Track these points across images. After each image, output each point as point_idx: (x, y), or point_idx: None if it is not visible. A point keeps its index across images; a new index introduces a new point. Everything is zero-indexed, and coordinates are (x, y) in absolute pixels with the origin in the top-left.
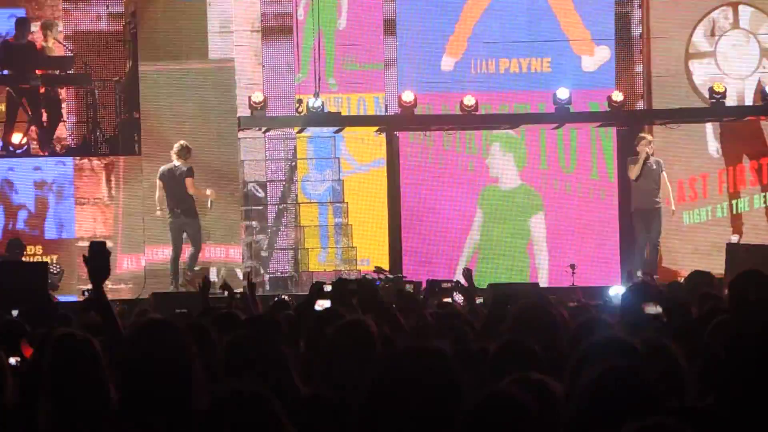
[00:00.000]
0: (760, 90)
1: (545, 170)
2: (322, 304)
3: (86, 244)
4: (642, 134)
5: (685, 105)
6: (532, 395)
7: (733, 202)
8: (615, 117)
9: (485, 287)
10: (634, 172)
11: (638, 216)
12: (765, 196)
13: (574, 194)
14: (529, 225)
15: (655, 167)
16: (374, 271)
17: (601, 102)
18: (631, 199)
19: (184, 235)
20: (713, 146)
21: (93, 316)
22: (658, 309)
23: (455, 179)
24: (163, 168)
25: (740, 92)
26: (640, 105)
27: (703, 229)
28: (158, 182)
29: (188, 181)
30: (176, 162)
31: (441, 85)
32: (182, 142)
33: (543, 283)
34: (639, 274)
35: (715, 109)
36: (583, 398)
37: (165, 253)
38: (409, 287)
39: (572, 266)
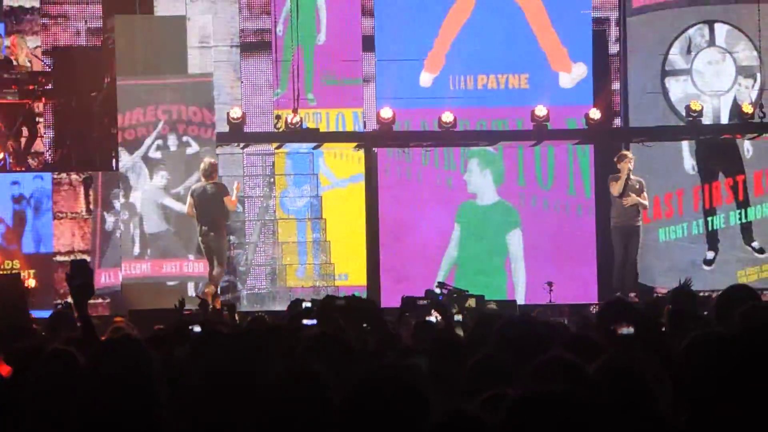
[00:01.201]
0: (736, 108)
1: (523, 187)
2: (305, 323)
3: (65, 258)
4: (624, 152)
5: (661, 123)
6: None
7: (709, 218)
8: (592, 134)
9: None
10: (616, 188)
11: (617, 232)
12: (741, 213)
13: (551, 211)
14: (506, 241)
15: (637, 186)
16: (437, 286)
17: (578, 119)
18: (609, 216)
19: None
20: (689, 163)
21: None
22: (631, 330)
23: (433, 195)
24: (195, 186)
25: (716, 109)
26: (618, 122)
27: (678, 246)
28: (189, 199)
29: (227, 200)
30: (204, 182)
31: (419, 101)
32: (208, 159)
33: (520, 300)
34: (617, 295)
35: (691, 127)
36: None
37: (143, 268)
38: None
39: (549, 284)
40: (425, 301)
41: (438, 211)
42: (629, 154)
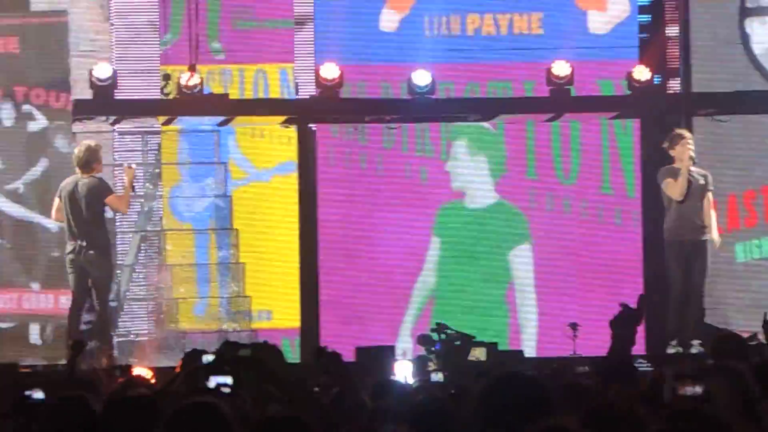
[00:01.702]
0: None
1: (534, 181)
2: (216, 382)
3: None
4: (679, 131)
5: (740, 87)
6: None
7: None
8: (638, 104)
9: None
10: (677, 188)
11: (675, 251)
12: None
13: (576, 217)
14: (508, 262)
15: (702, 181)
16: (434, 330)
17: (616, 81)
18: (664, 226)
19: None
20: None
21: None
22: (697, 390)
23: (400, 194)
24: (66, 182)
25: None
26: (675, 86)
27: (765, 269)
28: (56, 201)
29: (113, 201)
30: (80, 176)
31: (380, 54)
32: (86, 142)
33: (530, 350)
34: (674, 343)
35: None
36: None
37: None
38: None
39: (573, 326)
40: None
41: (406, 216)
42: (687, 134)
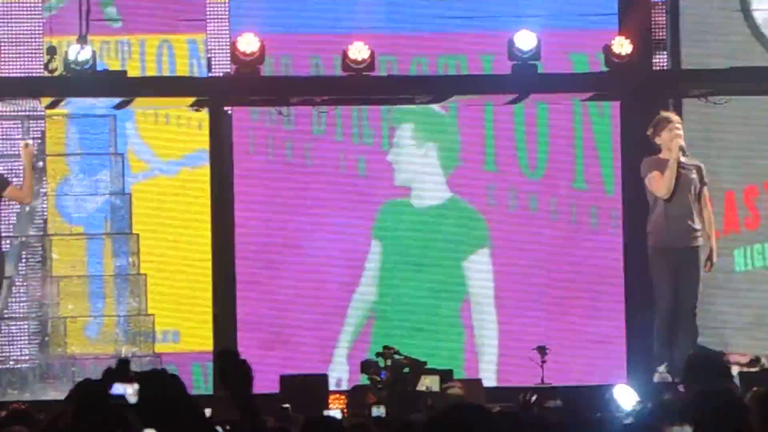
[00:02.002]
0: None
1: (493, 174)
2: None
3: None
4: (665, 114)
5: (739, 62)
6: None
7: None
8: (618, 82)
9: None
10: (663, 184)
11: (662, 259)
12: None
13: (544, 217)
14: (463, 272)
15: (694, 175)
16: (380, 354)
17: (592, 55)
18: (648, 229)
19: None
20: None
21: None
22: (687, 430)
23: (333, 190)
24: None
25: None
26: (662, 61)
27: (766, 280)
28: None
29: (11, 192)
30: None
31: (308, 22)
32: None
33: (490, 379)
34: (662, 369)
35: None
36: None
37: None
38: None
39: (541, 349)
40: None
41: (342, 219)
42: (675, 118)
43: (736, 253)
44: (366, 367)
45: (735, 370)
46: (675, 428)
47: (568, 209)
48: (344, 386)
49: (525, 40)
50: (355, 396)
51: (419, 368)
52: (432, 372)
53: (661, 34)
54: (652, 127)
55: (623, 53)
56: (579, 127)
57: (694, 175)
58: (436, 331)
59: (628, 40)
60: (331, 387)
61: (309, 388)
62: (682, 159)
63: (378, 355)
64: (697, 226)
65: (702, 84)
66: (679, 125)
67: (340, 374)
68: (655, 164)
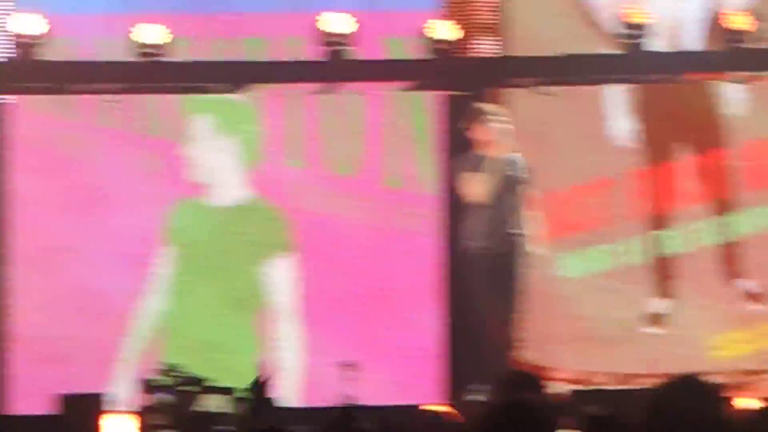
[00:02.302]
0: (714, 24)
1: (300, 170)
2: None
3: None
4: (479, 105)
5: (572, 49)
6: None
7: (659, 234)
8: (439, 71)
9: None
10: (475, 186)
11: (478, 267)
12: (720, 222)
13: (355, 217)
14: (264, 279)
15: (514, 173)
16: (164, 371)
17: (410, 40)
18: (464, 233)
19: None
20: (622, 126)
21: None
22: None
23: (119, 187)
24: None
25: (675, 26)
26: (488, 48)
27: (600, 287)
28: None
29: None
30: None
31: (96, 1)
32: None
33: (292, 397)
34: (474, 387)
35: (629, 58)
36: None
37: None
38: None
39: (350, 367)
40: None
41: (129, 220)
42: (491, 108)
43: (562, 259)
44: (145, 386)
45: (561, 387)
46: None
47: (381, 210)
48: (127, 406)
49: (334, 23)
50: (141, 417)
51: (201, 386)
52: (217, 390)
53: (487, 17)
54: (465, 119)
55: (445, 38)
56: (393, 116)
57: (514, 174)
58: (232, 345)
59: (452, 24)
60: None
61: (87, 408)
62: (502, 156)
63: (161, 372)
64: (518, 229)
65: (531, 73)
66: (495, 117)
67: (125, 392)
68: (467, 163)
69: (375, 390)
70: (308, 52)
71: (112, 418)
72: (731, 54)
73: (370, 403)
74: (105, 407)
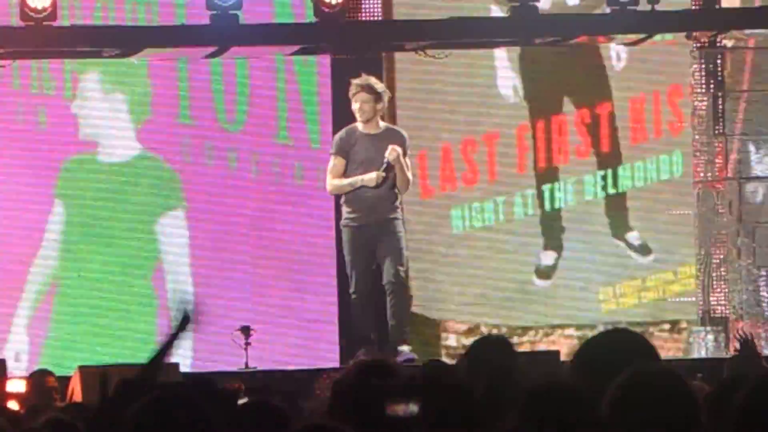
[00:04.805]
0: None
1: (188, 126)
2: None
3: None
4: (353, 80)
5: (459, 11)
6: None
7: (546, 188)
8: (327, 36)
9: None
10: (332, 183)
11: (354, 236)
12: (605, 177)
13: (245, 173)
14: (156, 234)
15: (385, 135)
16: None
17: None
18: (341, 202)
19: None
20: (508, 83)
21: None
22: (412, 408)
23: (9, 145)
24: None
25: None
26: (375, 11)
27: (491, 241)
28: None
29: None
30: None
31: None
32: None
33: (185, 364)
34: (403, 348)
35: (517, 20)
36: None
37: None
38: None
39: (245, 329)
40: None
41: (20, 178)
42: (359, 81)
43: (452, 212)
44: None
45: (453, 339)
46: (400, 408)
47: (271, 163)
48: (24, 360)
49: None
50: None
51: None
52: None
53: None
54: (351, 93)
55: (333, 2)
56: (281, 76)
57: (385, 135)
58: (128, 307)
59: None
60: (10, 361)
61: None
62: (379, 127)
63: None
64: (395, 196)
65: (418, 36)
66: (364, 92)
67: (19, 347)
68: (338, 145)
69: (268, 355)
70: (195, 11)
71: (15, 382)
72: (615, 16)
73: (265, 368)
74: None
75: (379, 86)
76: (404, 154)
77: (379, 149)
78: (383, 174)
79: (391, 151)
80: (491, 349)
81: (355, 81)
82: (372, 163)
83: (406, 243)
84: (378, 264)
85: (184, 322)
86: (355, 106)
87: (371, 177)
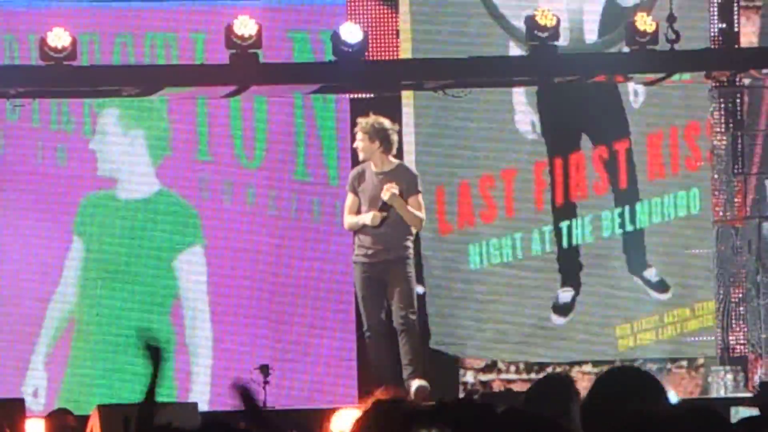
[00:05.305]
0: (616, 22)
1: (207, 163)
2: None
3: None
4: (360, 119)
5: (478, 49)
6: None
7: (563, 224)
8: (346, 74)
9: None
10: (347, 218)
11: (364, 273)
12: (623, 214)
13: (263, 209)
14: (174, 271)
15: (393, 173)
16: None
17: (316, 35)
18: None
19: None
20: (526, 119)
21: None
22: None
23: (28, 182)
24: None
25: (576, 21)
26: (392, 51)
27: (509, 278)
28: None
29: None
30: None
31: None
32: None
33: (203, 402)
34: (416, 382)
35: (536, 59)
36: None
37: None
38: None
39: (264, 368)
40: None
41: (38, 215)
42: (361, 123)
43: (470, 248)
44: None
45: (470, 375)
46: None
47: (290, 199)
48: (42, 396)
49: (244, 26)
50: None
51: None
52: None
53: (392, 21)
54: (354, 135)
55: (352, 41)
56: (299, 110)
57: (387, 185)
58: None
59: (358, 27)
60: (28, 397)
61: (11, 413)
62: (390, 165)
63: None
64: (407, 234)
65: (436, 75)
66: (359, 132)
67: (38, 383)
68: (351, 181)
69: (289, 393)
70: (214, 47)
71: (33, 422)
72: (634, 55)
73: (285, 407)
74: (20, 411)
75: (378, 124)
76: (414, 192)
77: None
78: (380, 214)
79: (385, 191)
80: (552, 388)
81: (359, 119)
82: (376, 200)
83: (424, 280)
84: (388, 304)
85: (155, 356)
86: (354, 144)
87: (370, 217)
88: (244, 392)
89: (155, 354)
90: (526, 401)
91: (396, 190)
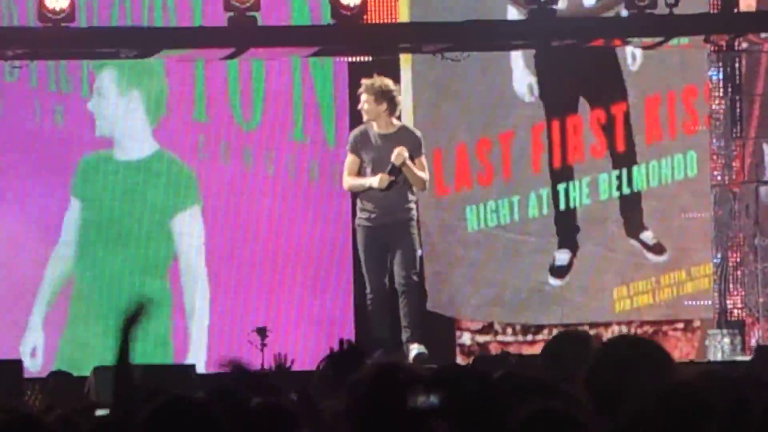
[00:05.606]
0: None
1: (204, 125)
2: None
3: None
4: (364, 80)
5: (473, 14)
6: None
7: (561, 187)
8: (344, 38)
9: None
10: (347, 179)
11: (368, 236)
12: (620, 176)
13: (261, 171)
14: (172, 233)
15: (397, 136)
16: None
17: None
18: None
19: None
20: (524, 82)
21: None
22: (432, 400)
23: (24, 144)
24: None
25: None
26: (391, 15)
27: (506, 240)
28: None
29: None
30: None
31: None
32: None
33: (200, 363)
34: (414, 347)
35: (533, 24)
36: None
37: None
38: None
39: (261, 331)
40: None
41: (36, 175)
42: (367, 82)
43: (467, 210)
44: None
45: (467, 337)
46: (420, 399)
47: (287, 162)
48: (39, 356)
49: None
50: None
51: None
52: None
53: None
54: (358, 95)
55: (351, 4)
56: (297, 76)
57: (398, 148)
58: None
59: None
60: (26, 357)
61: (10, 373)
62: (392, 126)
63: None
64: (410, 197)
65: (437, 39)
66: (364, 92)
67: (36, 341)
68: (353, 142)
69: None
70: (212, 9)
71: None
72: (633, 20)
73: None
74: (18, 373)
75: (385, 86)
76: (418, 154)
77: (389, 149)
78: (389, 177)
79: (397, 155)
80: (570, 346)
81: (364, 80)
82: (382, 162)
83: (421, 242)
84: (390, 266)
85: (131, 317)
86: (359, 105)
87: (378, 179)
88: (238, 368)
89: (132, 315)
90: (543, 358)
91: (407, 154)
